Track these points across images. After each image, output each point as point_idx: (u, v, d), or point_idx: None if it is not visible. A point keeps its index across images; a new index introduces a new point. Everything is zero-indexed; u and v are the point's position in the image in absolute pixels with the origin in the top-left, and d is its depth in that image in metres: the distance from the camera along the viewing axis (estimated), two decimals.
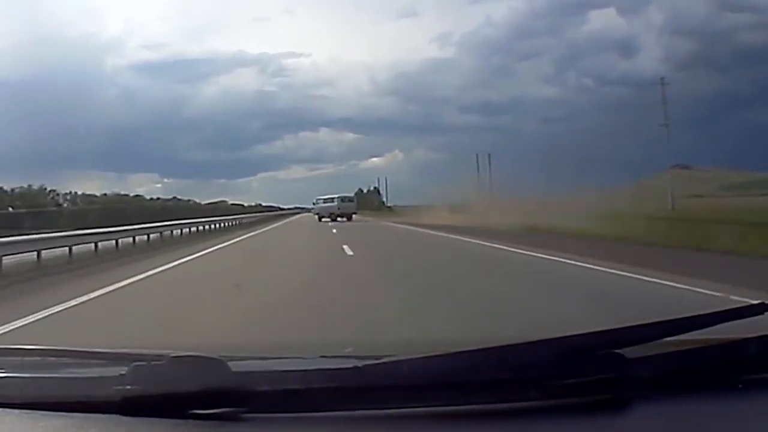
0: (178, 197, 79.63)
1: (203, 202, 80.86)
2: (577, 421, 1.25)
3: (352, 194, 67.12)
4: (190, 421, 1.20)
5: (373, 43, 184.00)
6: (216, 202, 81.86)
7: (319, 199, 64.77)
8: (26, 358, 1.62)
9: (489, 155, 71.48)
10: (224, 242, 24.36)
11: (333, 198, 62.73)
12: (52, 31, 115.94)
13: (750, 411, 1.32)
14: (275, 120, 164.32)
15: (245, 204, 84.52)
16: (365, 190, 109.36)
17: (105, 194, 62.57)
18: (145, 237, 22.90)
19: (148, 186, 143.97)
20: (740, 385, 1.36)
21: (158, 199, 72.48)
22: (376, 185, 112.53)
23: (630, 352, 1.32)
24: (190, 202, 77.11)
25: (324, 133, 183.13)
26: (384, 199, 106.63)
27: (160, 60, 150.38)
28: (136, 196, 69.69)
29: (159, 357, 1.28)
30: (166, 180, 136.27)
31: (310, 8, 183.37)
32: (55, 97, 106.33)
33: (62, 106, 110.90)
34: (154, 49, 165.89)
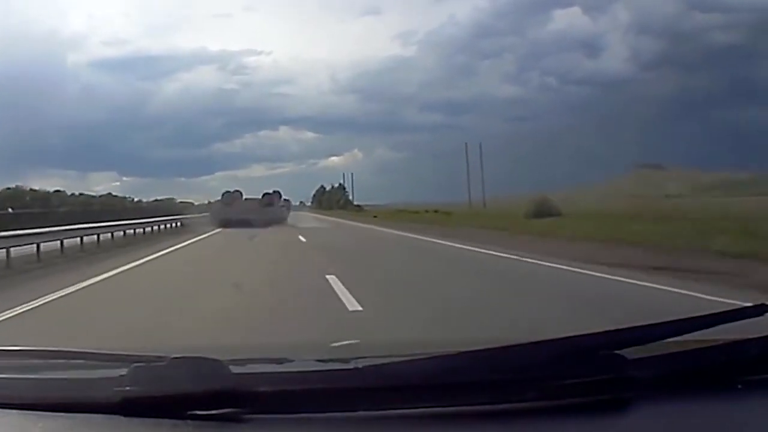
0: (113, 194, 70.82)
1: (149, 200, 72.99)
2: (577, 422, 1.25)
3: (272, 191, 48.12)
4: (190, 422, 1.20)
5: (335, 40, 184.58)
6: (162, 200, 72.70)
7: (229, 193, 45.67)
8: (26, 360, 1.62)
9: (481, 150, 69.76)
10: (112, 270, 13.45)
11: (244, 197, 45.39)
12: (12, 27, 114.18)
13: (750, 412, 1.32)
14: (235, 118, 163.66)
15: (195, 202, 77.40)
16: (328, 188, 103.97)
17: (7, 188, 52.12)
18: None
19: (107, 184, 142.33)
20: (740, 386, 1.36)
21: (80, 195, 62.10)
22: (341, 182, 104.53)
23: (630, 352, 1.32)
24: (128, 200, 68.12)
25: (284, 132, 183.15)
26: (350, 197, 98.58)
27: (122, 57, 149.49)
28: (57, 191, 58.37)
29: (159, 358, 1.28)
30: (125, 178, 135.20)
31: (271, 5, 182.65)
32: (14, 93, 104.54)
33: (21, 103, 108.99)
34: (116, 45, 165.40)
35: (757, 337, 1.40)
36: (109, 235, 22.59)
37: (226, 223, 37.67)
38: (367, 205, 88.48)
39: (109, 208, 49.55)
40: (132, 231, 26.67)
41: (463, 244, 19.47)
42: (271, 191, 47.19)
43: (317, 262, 14.83)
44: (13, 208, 37.51)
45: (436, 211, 57.43)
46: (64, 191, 59.90)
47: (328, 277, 10.82)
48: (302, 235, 26.45)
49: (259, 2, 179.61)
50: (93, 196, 62.64)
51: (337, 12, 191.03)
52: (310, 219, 52.91)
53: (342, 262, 15.01)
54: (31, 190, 52.48)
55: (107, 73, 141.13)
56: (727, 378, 1.38)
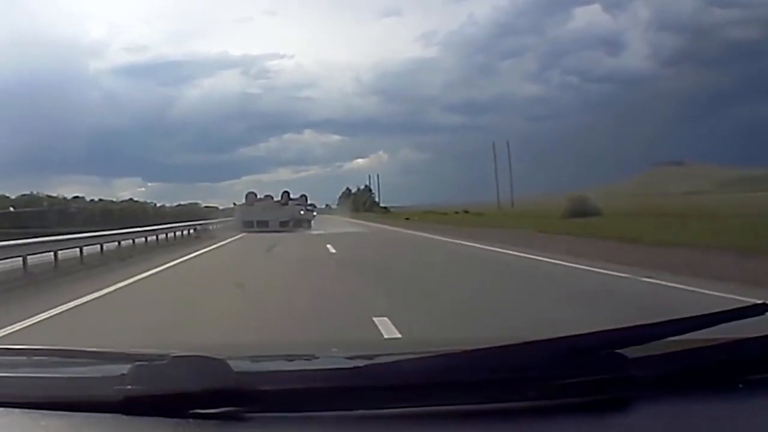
0: (135, 199, 71.15)
1: (173, 204, 73.51)
2: (577, 422, 1.25)
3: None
4: (191, 420, 1.20)
5: (357, 43, 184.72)
6: (185, 205, 73.10)
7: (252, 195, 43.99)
8: (27, 358, 1.63)
9: (508, 149, 69.66)
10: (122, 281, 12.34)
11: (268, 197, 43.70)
12: (35, 35, 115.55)
13: (750, 411, 1.32)
14: (259, 122, 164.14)
15: (220, 206, 76.53)
16: (354, 190, 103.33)
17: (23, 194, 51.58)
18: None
19: (132, 190, 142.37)
20: (741, 386, 1.36)
21: (99, 200, 61.16)
22: (367, 183, 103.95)
23: (630, 352, 1.32)
24: (149, 205, 66.87)
25: (308, 135, 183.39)
26: (376, 199, 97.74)
27: (143, 63, 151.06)
28: (75, 197, 57.98)
29: (160, 357, 1.28)
30: (150, 184, 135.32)
31: (292, 9, 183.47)
32: (38, 101, 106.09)
33: (45, 110, 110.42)
34: (137, 51, 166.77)
35: (758, 336, 1.40)
36: (100, 247, 18.79)
37: (250, 225, 38.03)
38: (392, 207, 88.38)
39: (129, 214, 48.92)
40: (131, 241, 22.57)
41: (546, 257, 15.02)
42: (297, 195, 45.81)
43: (355, 291, 10.31)
44: (15, 207, 37.76)
45: (466, 212, 55.41)
46: (83, 197, 60.55)
47: (377, 321, 6.91)
48: (331, 245, 22.00)
49: (280, 6, 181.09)
50: (113, 202, 62.90)
51: (358, 14, 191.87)
52: (338, 223, 48.63)
53: (391, 288, 10.53)
54: (48, 196, 52.67)
55: (129, 79, 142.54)
56: (728, 377, 1.37)
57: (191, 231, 32.82)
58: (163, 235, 27.57)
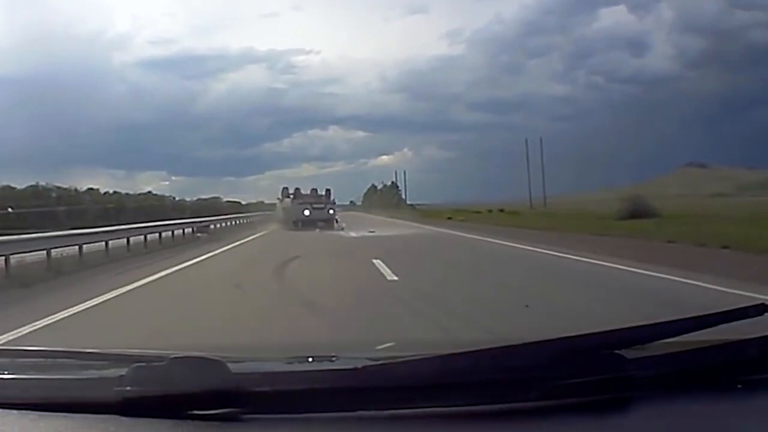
0: (153, 192, 67.93)
1: (193, 198, 70.42)
2: (577, 422, 1.25)
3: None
4: (190, 421, 1.20)
5: (383, 39, 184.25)
6: (207, 199, 70.44)
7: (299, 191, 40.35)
8: (26, 359, 1.63)
9: (542, 147, 68.23)
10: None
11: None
12: (59, 28, 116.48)
13: (750, 412, 1.32)
14: (284, 117, 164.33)
15: (243, 201, 72.60)
16: (379, 186, 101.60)
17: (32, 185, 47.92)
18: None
19: (155, 184, 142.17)
20: (740, 386, 1.36)
21: (114, 193, 57.81)
22: (394, 180, 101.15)
23: (630, 352, 1.32)
24: (168, 199, 64.36)
25: (333, 131, 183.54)
26: (403, 196, 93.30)
27: (168, 56, 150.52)
28: (90, 189, 54.85)
29: (159, 358, 1.29)
30: (174, 178, 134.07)
31: (319, 4, 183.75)
32: (63, 94, 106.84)
33: (70, 103, 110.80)
34: (161, 45, 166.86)
35: (757, 337, 1.40)
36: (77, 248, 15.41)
37: (297, 223, 35.34)
38: (419, 205, 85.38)
39: (147, 208, 46.37)
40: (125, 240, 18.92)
41: (661, 272, 10.80)
42: (320, 190, 41.42)
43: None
44: (12, 208, 34.89)
45: (501, 211, 51.96)
46: (97, 189, 57.59)
47: None
48: (381, 261, 13.43)
49: (306, 1, 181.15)
50: (128, 195, 59.26)
51: (385, 10, 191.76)
52: (371, 222, 41.48)
53: None
54: (57, 187, 49.62)
55: (155, 72, 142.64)
56: (728, 378, 1.37)
57: (195, 231, 28.46)
58: (170, 233, 24.22)
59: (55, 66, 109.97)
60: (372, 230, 30.02)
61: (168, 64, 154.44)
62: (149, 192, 68.45)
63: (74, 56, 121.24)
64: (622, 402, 1.29)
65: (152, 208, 49.58)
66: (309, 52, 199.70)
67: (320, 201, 39.64)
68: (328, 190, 41.25)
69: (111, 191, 60.12)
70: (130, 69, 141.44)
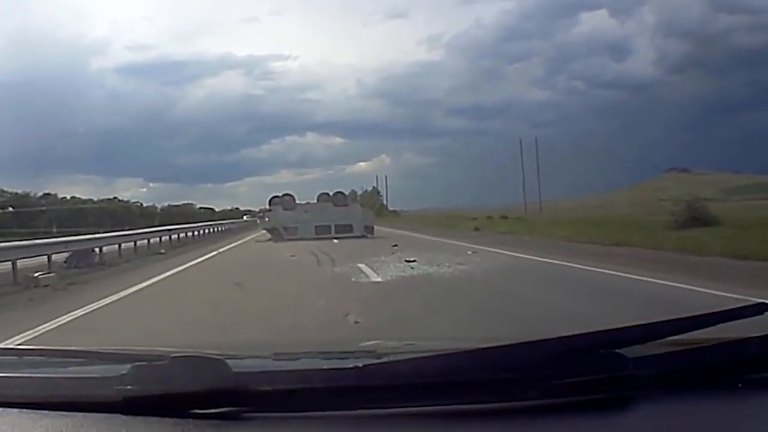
0: (119, 198, 66.50)
1: (163, 205, 68.70)
2: (577, 421, 1.25)
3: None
4: (191, 420, 1.20)
5: (362, 45, 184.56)
6: (179, 206, 68.56)
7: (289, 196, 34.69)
8: (27, 358, 1.63)
9: (537, 149, 68.09)
10: None
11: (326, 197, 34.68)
12: (36, 33, 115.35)
13: (750, 411, 1.32)
14: (262, 124, 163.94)
15: (217, 209, 70.55)
16: (360, 192, 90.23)
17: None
18: None
19: (134, 191, 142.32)
20: (740, 385, 1.36)
21: (71, 198, 55.93)
22: (374, 185, 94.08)
23: (630, 351, 1.32)
24: (135, 205, 62.32)
25: (311, 137, 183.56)
26: (384, 202, 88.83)
27: (146, 62, 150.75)
28: (46, 195, 53.18)
29: (159, 357, 1.29)
30: (152, 184, 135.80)
31: (298, 9, 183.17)
32: (40, 99, 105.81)
33: (46, 109, 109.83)
34: (140, 50, 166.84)
35: (757, 336, 1.40)
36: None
37: (291, 233, 30.21)
38: (404, 211, 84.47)
39: (106, 215, 44.55)
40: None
41: None
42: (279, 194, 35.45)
43: None
44: None
45: (504, 218, 45.92)
46: (55, 194, 56.23)
47: None
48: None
49: (286, 6, 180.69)
50: (87, 200, 57.14)
51: (364, 16, 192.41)
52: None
53: None
54: (2, 191, 48.08)
55: (132, 78, 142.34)
56: (728, 377, 1.38)
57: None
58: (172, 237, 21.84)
59: (32, 71, 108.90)
60: (398, 249, 18.91)
61: (146, 70, 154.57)
62: (115, 198, 67.21)
63: (51, 61, 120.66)
64: (623, 401, 1.29)
65: (116, 214, 47.83)
66: (287, 58, 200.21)
67: (341, 203, 33.63)
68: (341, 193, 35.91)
69: (68, 197, 58.43)
70: (108, 74, 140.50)
